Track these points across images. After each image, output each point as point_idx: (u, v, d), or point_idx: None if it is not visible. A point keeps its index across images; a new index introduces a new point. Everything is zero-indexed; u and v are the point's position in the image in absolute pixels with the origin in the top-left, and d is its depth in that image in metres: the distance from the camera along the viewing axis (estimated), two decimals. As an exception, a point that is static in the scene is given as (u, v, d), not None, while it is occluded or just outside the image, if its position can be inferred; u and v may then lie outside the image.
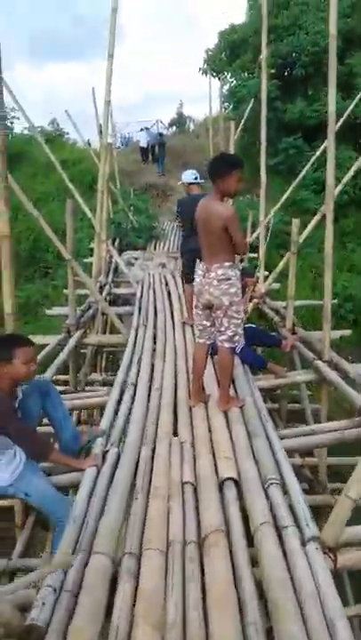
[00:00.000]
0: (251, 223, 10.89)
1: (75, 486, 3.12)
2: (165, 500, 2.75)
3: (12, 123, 21.54)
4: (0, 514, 4.40)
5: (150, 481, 2.96)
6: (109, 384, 7.96)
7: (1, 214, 4.25)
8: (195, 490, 2.90)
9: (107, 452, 3.31)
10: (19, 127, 22.11)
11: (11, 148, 19.90)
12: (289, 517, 2.54)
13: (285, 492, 2.82)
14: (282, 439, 3.49)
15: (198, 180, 6.42)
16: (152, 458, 3.22)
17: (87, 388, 7.17)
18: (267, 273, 8.00)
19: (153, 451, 3.30)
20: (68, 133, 23.69)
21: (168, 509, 2.67)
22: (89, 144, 18.42)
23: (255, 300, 6.73)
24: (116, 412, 3.94)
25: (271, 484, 2.82)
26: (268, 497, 2.74)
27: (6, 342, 3.08)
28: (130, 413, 3.90)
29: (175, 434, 3.58)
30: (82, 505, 2.72)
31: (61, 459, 3.19)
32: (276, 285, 8.53)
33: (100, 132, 11.39)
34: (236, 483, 2.91)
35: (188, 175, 6.40)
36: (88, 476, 3.01)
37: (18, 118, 20.55)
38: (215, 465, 3.07)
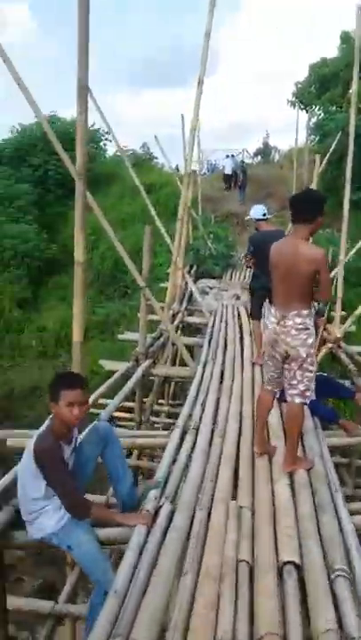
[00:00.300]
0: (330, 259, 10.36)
1: (124, 542, 2.84)
2: (217, 581, 2.39)
3: (105, 145, 22.18)
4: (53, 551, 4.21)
5: (203, 550, 2.63)
6: (175, 416, 7.73)
7: (78, 242, 4.13)
8: (251, 569, 2.53)
9: (160, 507, 3.01)
10: (112, 149, 22.69)
11: (103, 169, 20.43)
12: (358, 626, 2.12)
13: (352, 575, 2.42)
14: (352, 514, 3.05)
15: (267, 216, 6.03)
16: (207, 523, 2.87)
17: (152, 418, 6.94)
18: (343, 313, 7.47)
19: (209, 514, 2.95)
20: (157, 158, 24.04)
21: (219, 594, 2.32)
22: (177, 169, 18.50)
23: (329, 345, 6.24)
24: (175, 459, 3.64)
25: (338, 575, 2.41)
26: (332, 589, 2.34)
27: (56, 382, 2.87)
28: (189, 461, 3.60)
29: (234, 494, 3.22)
30: (126, 574, 2.42)
31: (105, 514, 2.92)
32: (352, 328, 7.95)
33: (186, 159, 11.35)
34: (298, 566, 2.52)
35: (258, 211, 5.99)
36: (137, 536, 2.71)
37: (110, 141, 21.17)
38: (276, 542, 2.69)
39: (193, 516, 2.91)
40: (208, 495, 3.14)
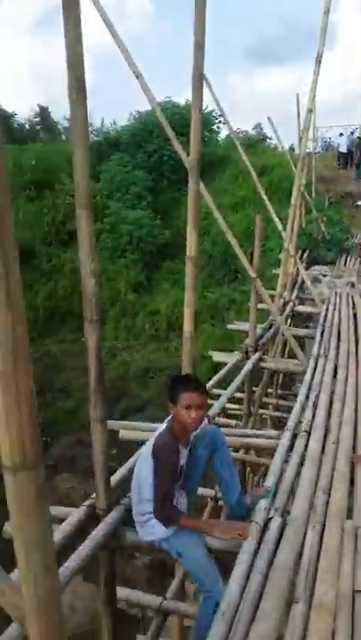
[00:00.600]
0: None
1: (234, 552, 2.73)
2: (331, 614, 2.20)
3: (218, 127, 21.85)
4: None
5: (315, 575, 2.44)
6: (283, 409, 7.50)
7: (190, 237, 4.04)
8: (368, 601, 2.31)
9: (270, 519, 2.85)
10: (225, 131, 22.34)
11: (216, 152, 20.21)
12: None
13: None
14: None
15: None
16: (320, 542, 2.67)
17: (260, 410, 6.76)
18: None
19: (321, 532, 2.75)
20: (270, 138, 23.35)
21: (333, 629, 2.13)
22: (292, 148, 17.78)
23: None
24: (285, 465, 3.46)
25: None
26: None
27: (175, 383, 2.82)
28: (300, 468, 3.39)
29: (350, 511, 2.98)
30: (234, 592, 2.31)
31: (197, 526, 2.77)
32: None
33: (301, 138, 10.77)
34: None
35: None
36: (246, 552, 2.57)
37: (223, 123, 20.76)
38: None
39: (305, 533, 2.72)
40: (321, 510, 2.92)
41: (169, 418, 2.85)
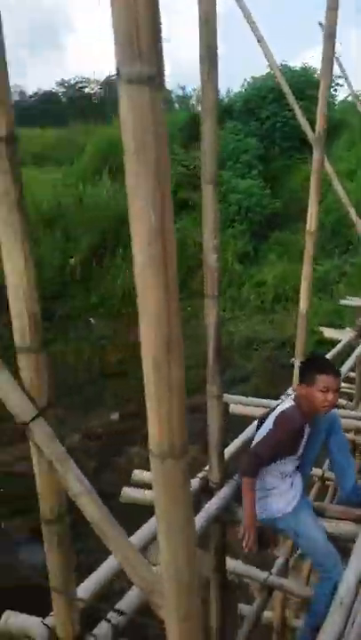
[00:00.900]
0: None
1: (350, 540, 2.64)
2: None
3: (335, 90, 20.39)
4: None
5: None
6: None
7: (311, 213, 3.88)
8: None
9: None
10: (342, 94, 20.86)
11: (334, 117, 18.98)
12: None
13: None
14: None
15: None
16: None
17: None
18: None
19: None
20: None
21: None
22: None
23: None
24: None
25: None
26: None
27: (311, 365, 2.75)
28: None
29: None
30: (351, 582, 2.24)
31: (247, 501, 2.66)
32: None
33: None
34: None
35: None
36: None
37: (341, 85, 19.34)
38: None
39: None
40: None
41: (291, 396, 2.79)
